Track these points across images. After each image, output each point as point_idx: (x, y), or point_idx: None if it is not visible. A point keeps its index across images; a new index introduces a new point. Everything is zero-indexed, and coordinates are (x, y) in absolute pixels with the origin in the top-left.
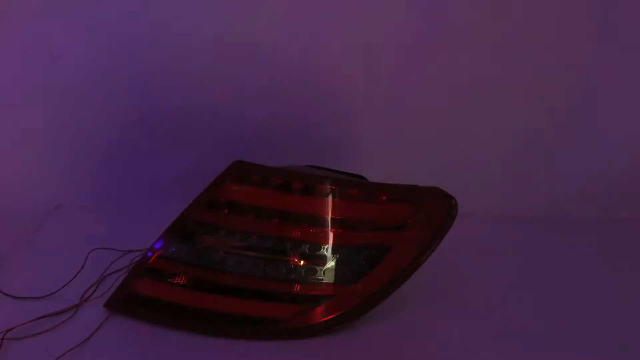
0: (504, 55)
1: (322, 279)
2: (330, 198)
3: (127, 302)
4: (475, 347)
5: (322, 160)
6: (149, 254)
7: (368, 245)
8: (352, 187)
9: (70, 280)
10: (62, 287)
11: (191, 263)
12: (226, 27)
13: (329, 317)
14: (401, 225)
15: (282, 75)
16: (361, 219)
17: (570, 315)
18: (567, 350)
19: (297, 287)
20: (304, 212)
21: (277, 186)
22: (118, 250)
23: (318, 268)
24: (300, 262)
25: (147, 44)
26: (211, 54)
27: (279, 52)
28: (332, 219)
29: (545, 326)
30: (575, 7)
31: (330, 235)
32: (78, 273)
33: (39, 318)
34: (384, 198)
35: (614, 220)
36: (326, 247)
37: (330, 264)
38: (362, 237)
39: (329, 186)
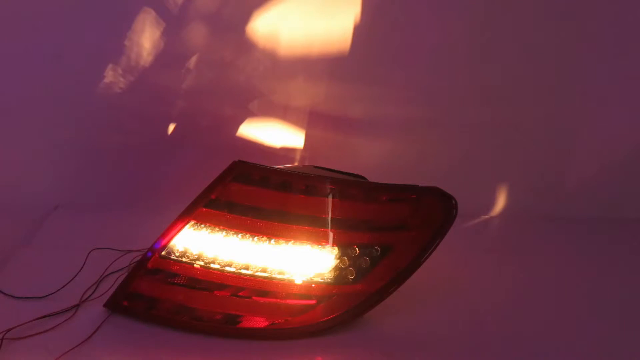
0: (504, 55)
1: (322, 279)
2: (330, 198)
3: (127, 302)
4: (475, 347)
5: (323, 160)
6: (149, 254)
7: (368, 245)
8: (352, 187)
9: (70, 280)
10: (62, 287)
11: (191, 263)
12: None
13: (329, 317)
14: (401, 225)
15: (281, 76)
16: (361, 219)
17: (570, 315)
18: (567, 350)
19: (297, 287)
20: (304, 212)
21: (277, 186)
22: (118, 250)
23: (318, 268)
24: (300, 262)
25: (148, 45)
26: (212, 51)
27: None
28: (332, 219)
29: (545, 326)
30: (576, 8)
31: (330, 235)
32: (78, 273)
33: (39, 318)
34: (384, 198)
35: (614, 220)
36: (326, 247)
37: (330, 264)
38: (362, 237)
39: (329, 186)
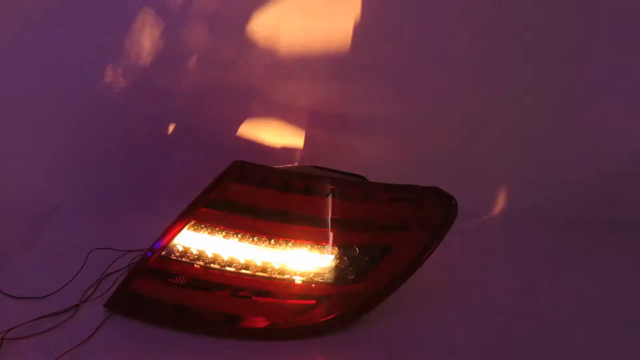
0: (504, 55)
1: (322, 279)
2: (330, 198)
3: (127, 302)
4: (475, 347)
5: (323, 160)
6: (149, 254)
7: (368, 245)
8: (352, 187)
9: (70, 280)
10: (62, 287)
11: (191, 263)
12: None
13: (329, 317)
14: (401, 225)
15: (281, 76)
16: (361, 219)
17: (569, 315)
18: (567, 350)
19: (297, 287)
20: (304, 212)
21: (277, 186)
22: (118, 250)
23: (318, 268)
24: (300, 262)
25: (148, 44)
26: (212, 51)
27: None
28: (332, 219)
29: (545, 325)
30: (575, 7)
31: (331, 235)
32: (78, 273)
33: (39, 318)
34: (384, 198)
35: (614, 220)
36: (326, 247)
37: (331, 264)
38: (362, 237)
39: (329, 186)
